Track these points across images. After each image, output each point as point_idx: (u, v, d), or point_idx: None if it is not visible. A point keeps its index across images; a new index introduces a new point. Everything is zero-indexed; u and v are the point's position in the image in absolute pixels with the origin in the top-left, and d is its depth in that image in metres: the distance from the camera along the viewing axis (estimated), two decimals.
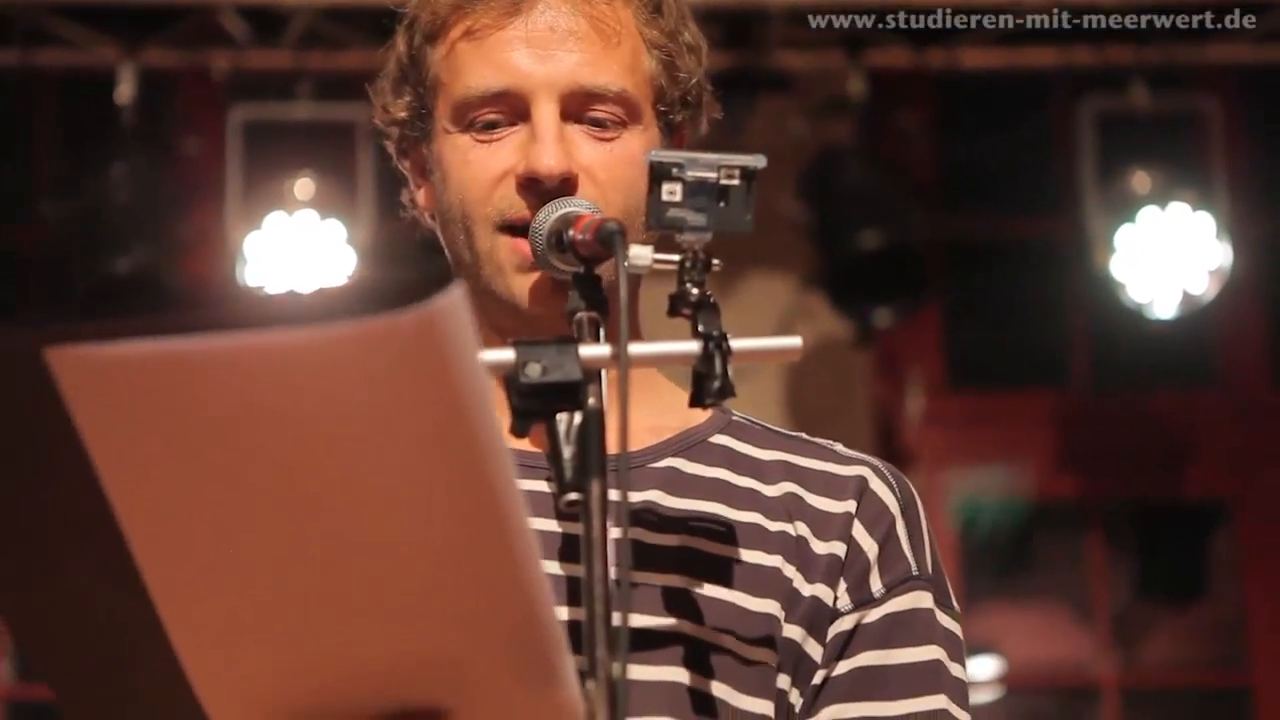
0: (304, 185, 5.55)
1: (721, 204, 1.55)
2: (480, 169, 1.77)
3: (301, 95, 5.62)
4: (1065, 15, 5.44)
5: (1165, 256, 5.59)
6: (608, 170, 1.75)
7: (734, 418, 1.87)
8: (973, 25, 5.74)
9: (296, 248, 5.51)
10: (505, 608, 1.31)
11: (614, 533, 1.47)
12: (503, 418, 1.75)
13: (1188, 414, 6.56)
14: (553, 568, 1.70)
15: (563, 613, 1.67)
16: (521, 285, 1.75)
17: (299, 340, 1.17)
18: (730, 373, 1.53)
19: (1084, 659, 6.70)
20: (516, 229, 1.75)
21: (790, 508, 1.79)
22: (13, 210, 6.46)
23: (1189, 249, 5.59)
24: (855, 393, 6.37)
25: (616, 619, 1.42)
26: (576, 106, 1.76)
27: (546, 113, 1.74)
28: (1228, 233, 5.61)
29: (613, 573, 1.45)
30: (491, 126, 1.77)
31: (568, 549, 1.70)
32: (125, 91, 5.62)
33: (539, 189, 1.72)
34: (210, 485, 1.24)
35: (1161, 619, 6.89)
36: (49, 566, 1.29)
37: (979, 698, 6.71)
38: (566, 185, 1.73)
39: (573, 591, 1.68)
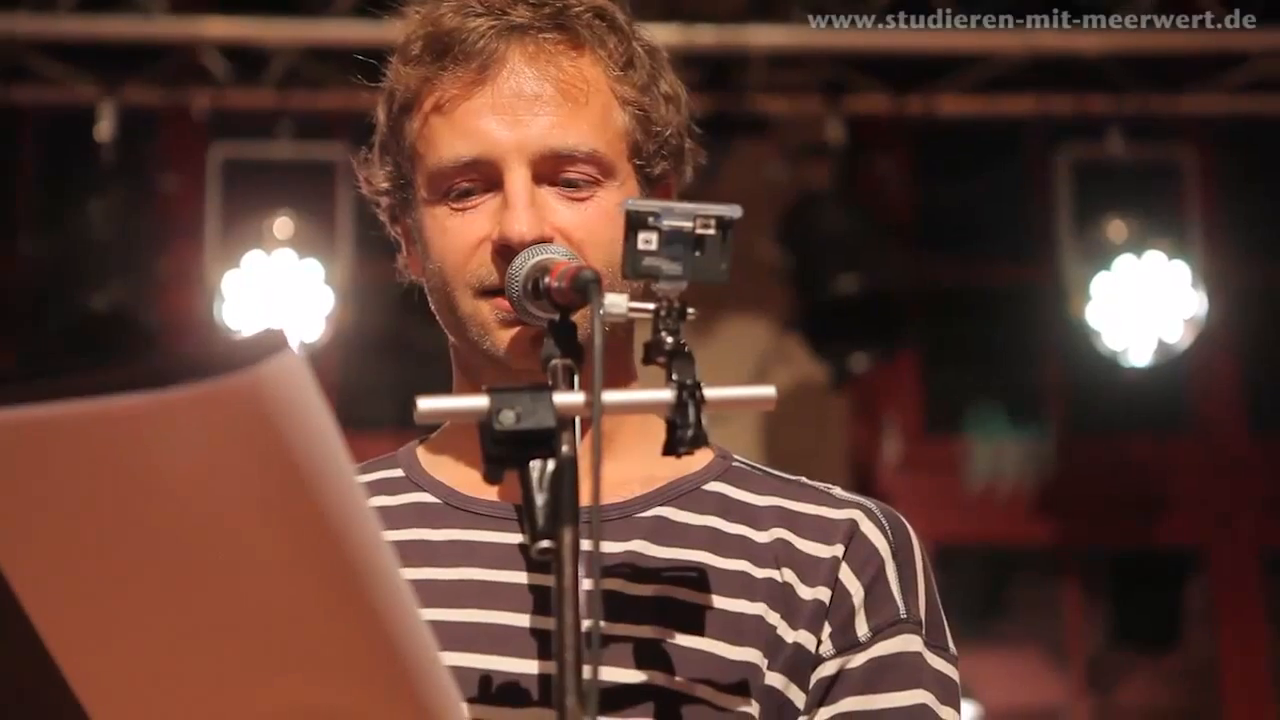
0: (283, 224, 5.55)
1: (697, 253, 1.54)
2: (456, 237, 1.77)
3: (282, 134, 5.64)
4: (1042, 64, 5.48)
5: (1141, 304, 5.61)
6: (584, 229, 1.75)
7: (734, 463, 1.86)
8: (951, 73, 5.79)
9: (274, 286, 5.51)
10: (377, 657, 1.31)
11: (588, 584, 1.47)
12: (473, 466, 1.77)
13: (1162, 461, 6.58)
14: (523, 620, 1.70)
15: (533, 666, 1.67)
16: (505, 339, 1.75)
17: (139, 405, 1.19)
18: (704, 421, 1.52)
19: (1059, 704, 6.70)
20: (495, 293, 1.75)
21: (779, 554, 1.77)
22: None
23: (1164, 297, 5.62)
24: (832, 436, 6.38)
25: (587, 671, 1.41)
26: (548, 169, 1.76)
27: (518, 178, 1.75)
28: (1203, 281, 5.64)
29: (586, 623, 1.44)
30: (466, 195, 1.77)
31: (539, 602, 1.70)
32: (105, 129, 5.63)
33: (512, 255, 1.73)
34: (80, 543, 1.26)
35: (1136, 665, 6.89)
36: None
37: None
38: None
39: (543, 644, 1.68)
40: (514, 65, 1.77)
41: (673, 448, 1.53)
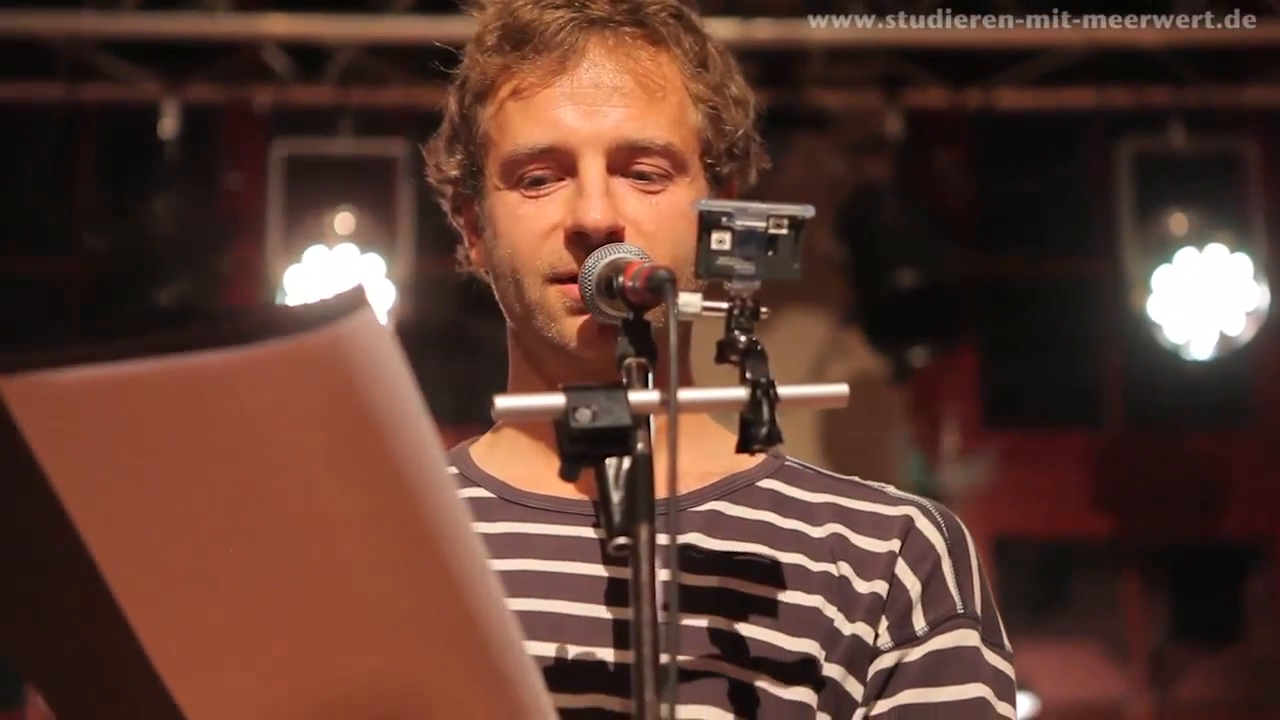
0: (344, 219, 5.59)
1: (770, 253, 1.56)
2: (530, 224, 1.79)
3: (343, 130, 5.67)
4: (1102, 56, 5.46)
5: (1202, 297, 5.59)
6: (655, 223, 1.77)
7: (786, 462, 1.88)
8: (1010, 66, 5.77)
9: (336, 281, 5.55)
10: (456, 626, 1.32)
11: (661, 575, 1.49)
12: (528, 461, 1.79)
13: (1223, 455, 6.55)
14: (600, 611, 1.72)
15: (594, 653, 1.69)
16: (571, 327, 1.77)
17: (219, 363, 1.20)
18: (777, 419, 1.54)
19: (1119, 698, 6.68)
20: (566, 281, 1.76)
21: (834, 548, 1.79)
22: (57, 242, 6.52)
23: (1226, 290, 5.59)
24: (891, 430, 6.37)
25: (664, 660, 1.43)
26: (622, 160, 1.77)
27: (593, 167, 1.76)
28: (1265, 274, 5.61)
29: (660, 615, 1.46)
30: (539, 182, 1.79)
31: (613, 592, 1.72)
32: (168, 125, 5.68)
33: (586, 242, 1.74)
34: (164, 504, 1.28)
35: (1196, 659, 6.87)
36: (31, 591, 1.34)
37: None
38: (613, 238, 1.74)
39: (601, 632, 1.70)
40: (594, 57, 1.79)
41: (747, 445, 1.55)
